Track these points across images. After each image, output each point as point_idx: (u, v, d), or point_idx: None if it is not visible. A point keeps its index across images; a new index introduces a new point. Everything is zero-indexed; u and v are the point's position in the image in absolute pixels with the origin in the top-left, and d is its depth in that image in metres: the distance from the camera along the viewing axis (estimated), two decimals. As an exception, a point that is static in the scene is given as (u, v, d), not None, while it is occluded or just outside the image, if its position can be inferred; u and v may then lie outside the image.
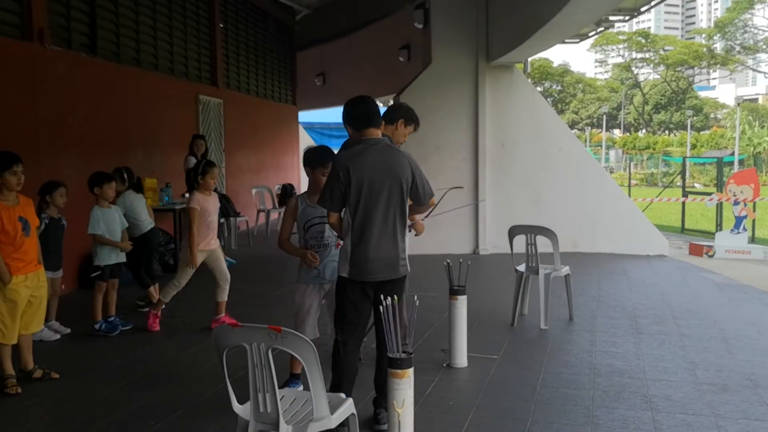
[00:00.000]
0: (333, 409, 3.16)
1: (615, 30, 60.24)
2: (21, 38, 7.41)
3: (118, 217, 6.38)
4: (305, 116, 20.39)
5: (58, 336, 6.17)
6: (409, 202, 4.50)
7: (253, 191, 13.52)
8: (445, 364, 5.36)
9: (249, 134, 14.08)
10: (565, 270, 6.63)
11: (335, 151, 4.62)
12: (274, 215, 13.54)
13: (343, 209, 3.97)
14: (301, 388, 4.48)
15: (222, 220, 10.56)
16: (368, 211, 3.93)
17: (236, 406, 3.21)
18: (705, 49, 61.86)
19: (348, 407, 3.28)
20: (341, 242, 4.34)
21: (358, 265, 3.95)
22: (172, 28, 10.95)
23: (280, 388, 3.14)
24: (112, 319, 6.34)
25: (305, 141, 18.99)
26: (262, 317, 6.81)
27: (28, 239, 4.85)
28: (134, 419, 4.34)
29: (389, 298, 3.45)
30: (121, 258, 6.39)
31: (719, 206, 14.19)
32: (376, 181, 3.91)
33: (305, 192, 4.64)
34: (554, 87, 66.47)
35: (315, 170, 4.46)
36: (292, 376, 4.65)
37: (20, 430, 4.30)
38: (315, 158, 4.47)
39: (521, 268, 6.64)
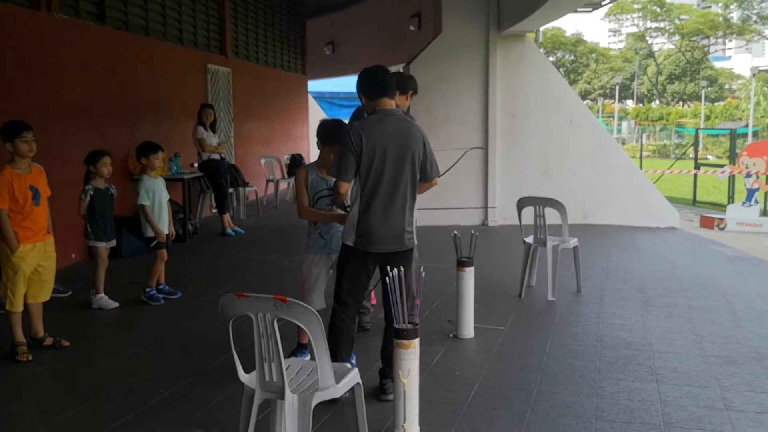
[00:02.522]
0: (338, 378, 3.18)
1: (629, -2, 59.48)
2: (29, 6, 7.38)
3: (164, 186, 6.40)
4: (314, 85, 20.28)
5: (116, 304, 6.21)
6: None
7: (262, 161, 13.52)
8: (451, 335, 5.38)
9: (258, 104, 14.03)
10: (574, 242, 6.61)
11: (346, 122, 4.62)
12: (283, 185, 13.56)
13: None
14: (308, 357, 4.51)
15: (231, 190, 10.59)
16: (378, 181, 3.94)
17: (242, 375, 3.23)
18: (721, 19, 60.88)
19: (353, 377, 3.30)
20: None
21: (364, 234, 3.98)
22: (180, -3, 10.87)
23: (287, 357, 3.16)
24: (161, 287, 6.42)
25: (314, 110, 18.94)
26: (271, 287, 6.84)
27: (37, 208, 4.87)
28: (142, 387, 4.38)
29: (395, 270, 3.45)
30: (167, 228, 6.37)
31: (731, 178, 14.08)
32: (389, 152, 3.93)
33: (314, 162, 4.62)
34: (567, 57, 65.71)
35: (325, 147, 4.45)
36: (299, 346, 4.68)
37: (31, 397, 4.37)
38: (327, 136, 4.43)
39: (529, 239, 6.62)
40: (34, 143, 4.85)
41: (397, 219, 3.99)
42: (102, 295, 6.17)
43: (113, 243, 6.29)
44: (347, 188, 3.98)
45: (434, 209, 6.29)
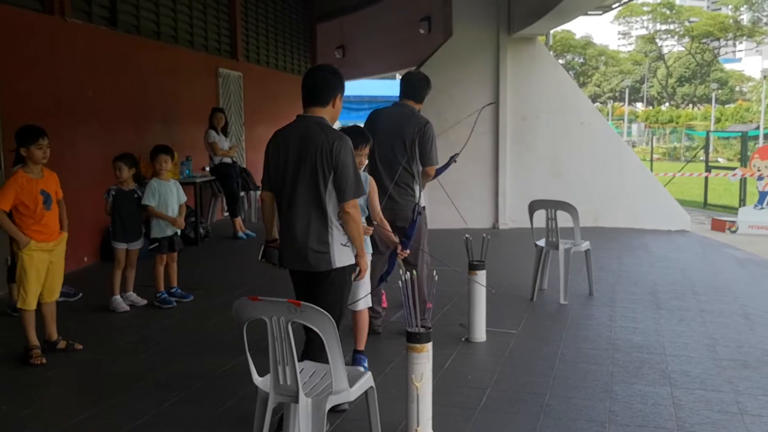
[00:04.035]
0: (352, 382, 3.18)
1: (639, 1, 59.32)
2: (41, 10, 7.43)
3: (176, 190, 6.40)
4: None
5: (144, 301, 6.31)
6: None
7: (273, 164, 13.52)
8: (463, 339, 5.37)
9: (269, 108, 14.06)
10: (586, 245, 6.60)
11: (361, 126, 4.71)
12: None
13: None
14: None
15: (243, 193, 10.62)
16: (280, 192, 3.79)
17: (256, 378, 3.24)
18: (731, 21, 60.65)
19: (367, 380, 3.31)
20: (363, 214, 4.41)
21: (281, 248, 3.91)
22: (192, 1, 10.91)
23: (299, 360, 3.17)
24: (174, 290, 6.46)
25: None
26: (282, 290, 6.85)
27: (49, 213, 4.90)
28: (155, 390, 4.40)
29: (408, 273, 3.45)
30: (176, 230, 6.40)
31: (743, 181, 14.00)
32: (290, 161, 3.71)
33: None
34: (576, 59, 65.60)
35: None
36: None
37: (44, 400, 4.39)
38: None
39: (541, 242, 6.61)
40: (48, 150, 4.90)
41: (301, 235, 3.70)
42: (116, 297, 6.21)
43: (136, 245, 6.30)
44: (265, 196, 3.90)
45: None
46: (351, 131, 4.51)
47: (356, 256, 3.81)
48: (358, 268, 3.86)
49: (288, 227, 3.76)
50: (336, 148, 3.61)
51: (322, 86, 3.80)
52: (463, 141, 5.66)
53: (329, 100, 3.80)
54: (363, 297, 4.53)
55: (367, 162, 4.57)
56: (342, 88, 3.90)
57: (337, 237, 3.71)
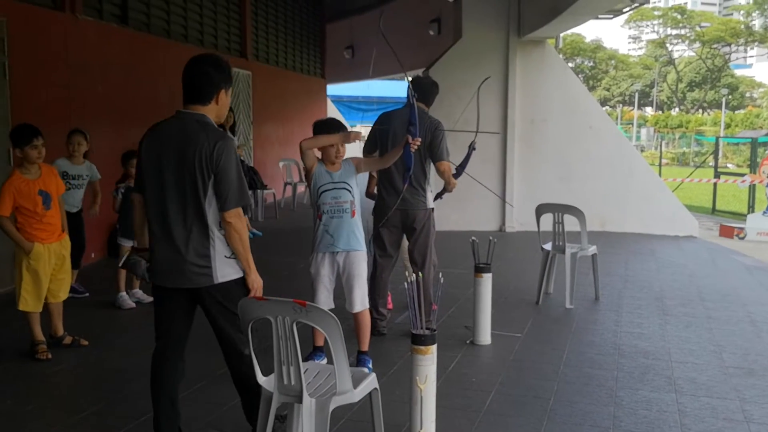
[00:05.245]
0: (356, 383, 3.18)
1: (650, 5, 59.07)
2: (53, 8, 7.46)
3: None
4: (333, 89, 20.35)
5: (150, 299, 6.28)
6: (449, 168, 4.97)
7: (281, 164, 13.56)
8: (468, 341, 5.36)
9: (277, 107, 14.09)
10: (592, 249, 6.58)
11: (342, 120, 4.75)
12: (300, 188, 13.59)
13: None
14: (324, 361, 4.51)
15: (250, 192, 10.63)
16: (151, 198, 3.31)
17: (261, 378, 3.24)
18: (743, 26, 60.39)
19: (371, 382, 3.30)
20: (356, 210, 4.44)
21: (151, 261, 3.40)
22: (202, 0, 10.96)
23: (304, 361, 3.17)
24: None
25: (333, 114, 18.98)
26: (287, 289, 6.86)
27: (50, 212, 4.89)
28: (160, 387, 4.39)
29: (414, 275, 3.45)
30: None
31: (752, 188, 13.95)
32: (164, 164, 3.24)
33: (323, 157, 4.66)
34: (586, 63, 65.44)
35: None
36: (315, 349, 4.69)
37: (49, 395, 4.40)
38: (323, 130, 4.58)
39: (548, 246, 6.59)
40: (44, 149, 4.87)
41: (178, 247, 3.23)
42: (122, 293, 6.22)
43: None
44: (135, 198, 3.44)
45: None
46: (326, 123, 4.65)
47: (245, 274, 3.34)
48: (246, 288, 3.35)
49: (162, 238, 3.27)
50: (217, 150, 3.17)
51: (201, 82, 3.32)
52: (472, 137, 5.63)
53: (210, 98, 3.33)
54: (359, 298, 4.54)
55: (345, 150, 4.56)
56: (228, 82, 3.40)
57: (220, 249, 3.26)
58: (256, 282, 3.37)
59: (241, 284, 3.35)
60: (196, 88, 3.32)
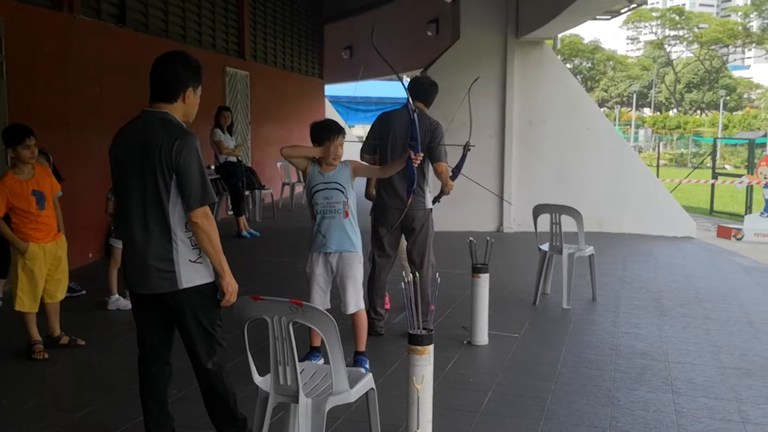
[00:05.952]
0: (353, 383, 3.18)
1: (648, 6, 59.20)
2: (51, 7, 7.45)
3: None
4: (332, 90, 20.34)
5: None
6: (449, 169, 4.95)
7: (278, 164, 13.56)
8: (465, 342, 5.36)
9: (275, 107, 14.08)
10: (590, 250, 6.58)
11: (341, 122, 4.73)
12: (298, 188, 13.58)
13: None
14: (321, 361, 4.51)
15: (247, 192, 10.63)
16: (122, 197, 3.24)
17: (257, 378, 3.24)
18: (740, 27, 60.48)
19: (367, 382, 3.30)
20: (349, 211, 4.44)
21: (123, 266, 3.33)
22: (200, 0, 10.93)
23: (300, 361, 3.17)
24: None
25: (331, 115, 18.97)
26: (285, 289, 6.86)
27: (44, 212, 4.88)
28: (157, 387, 4.39)
29: (411, 275, 3.44)
30: None
31: (749, 189, 13.96)
32: (128, 164, 3.18)
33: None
34: (584, 64, 65.51)
35: (314, 145, 4.55)
36: (312, 349, 4.68)
37: (46, 394, 4.40)
38: (314, 135, 4.57)
39: (545, 247, 6.60)
40: (36, 149, 4.86)
41: (139, 250, 3.12)
42: (116, 296, 6.20)
43: None
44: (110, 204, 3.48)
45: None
46: (323, 124, 4.61)
47: (218, 277, 3.21)
48: (221, 291, 3.23)
49: (126, 242, 3.23)
50: (176, 148, 3.06)
51: (167, 80, 3.24)
52: (468, 138, 5.65)
53: (176, 96, 3.25)
54: (352, 299, 4.52)
55: (342, 152, 4.55)
56: (196, 80, 3.31)
57: (183, 253, 3.11)
58: (231, 285, 3.21)
59: (212, 290, 3.22)
60: (162, 86, 3.24)
